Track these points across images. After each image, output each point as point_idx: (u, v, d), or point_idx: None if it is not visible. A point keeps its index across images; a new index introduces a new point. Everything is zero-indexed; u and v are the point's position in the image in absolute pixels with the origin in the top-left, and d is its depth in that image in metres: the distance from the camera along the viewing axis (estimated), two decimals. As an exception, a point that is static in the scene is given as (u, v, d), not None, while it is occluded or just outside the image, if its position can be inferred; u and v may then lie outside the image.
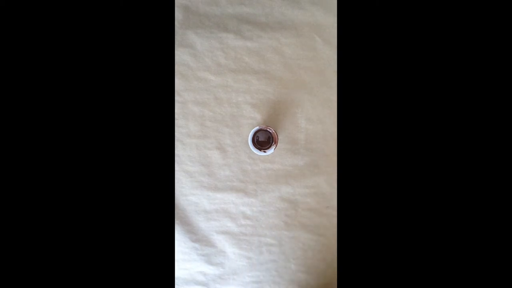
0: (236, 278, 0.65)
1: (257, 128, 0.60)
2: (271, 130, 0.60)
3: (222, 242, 0.65)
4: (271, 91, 0.65)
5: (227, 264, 0.65)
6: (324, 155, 0.65)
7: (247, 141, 0.65)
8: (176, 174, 0.65)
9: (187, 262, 0.65)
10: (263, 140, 0.61)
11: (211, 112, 0.65)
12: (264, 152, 0.60)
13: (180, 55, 0.64)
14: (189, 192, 0.65)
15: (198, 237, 0.65)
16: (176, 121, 0.65)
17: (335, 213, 0.65)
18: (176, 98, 0.64)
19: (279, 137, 0.65)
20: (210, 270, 0.65)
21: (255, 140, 0.60)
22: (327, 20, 0.64)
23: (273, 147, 0.60)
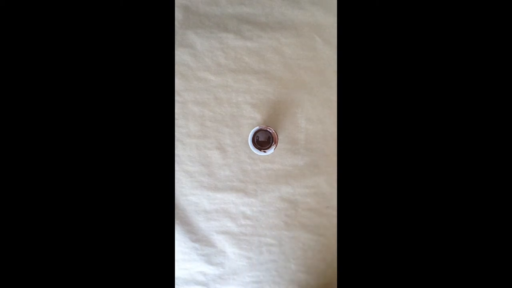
0: (236, 278, 0.65)
1: (257, 128, 0.60)
2: (271, 130, 0.60)
3: (222, 242, 0.65)
4: (271, 91, 0.65)
5: (227, 264, 0.65)
6: (324, 155, 0.65)
7: (247, 141, 0.65)
8: (176, 174, 0.65)
9: (187, 262, 0.65)
10: (263, 140, 0.61)
11: (211, 112, 0.65)
12: (264, 152, 0.60)
13: (180, 55, 0.64)
14: (189, 192, 0.65)
15: (198, 237, 0.65)
16: (176, 121, 0.65)
17: (335, 213, 0.65)
18: (176, 98, 0.64)
19: (279, 137, 0.65)
20: (210, 270, 0.65)
21: (255, 140, 0.60)
22: (327, 20, 0.64)
23: (273, 147, 0.60)
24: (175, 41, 0.64)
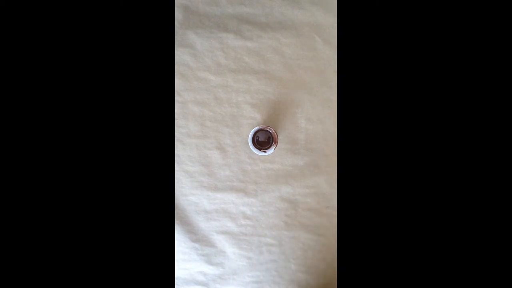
0: (236, 278, 0.65)
1: (257, 128, 0.60)
2: (271, 130, 0.60)
3: (222, 242, 0.65)
4: (271, 91, 0.65)
5: (227, 264, 0.65)
6: (324, 155, 0.65)
7: (247, 141, 0.65)
8: (176, 174, 0.65)
9: (187, 262, 0.65)
10: (263, 140, 0.61)
11: (211, 112, 0.65)
12: (264, 152, 0.60)
13: (180, 55, 0.64)
14: (189, 192, 0.65)
15: (198, 237, 0.65)
16: (176, 121, 0.65)
17: (335, 213, 0.65)
18: (176, 98, 0.64)
19: (279, 137, 0.65)
20: (210, 270, 0.65)
21: (255, 140, 0.60)
22: (327, 20, 0.64)
23: (273, 147, 0.60)
24: (175, 41, 0.64)
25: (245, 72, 0.65)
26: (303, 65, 0.65)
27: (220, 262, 0.65)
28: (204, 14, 0.64)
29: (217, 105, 0.65)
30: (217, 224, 0.65)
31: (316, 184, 0.65)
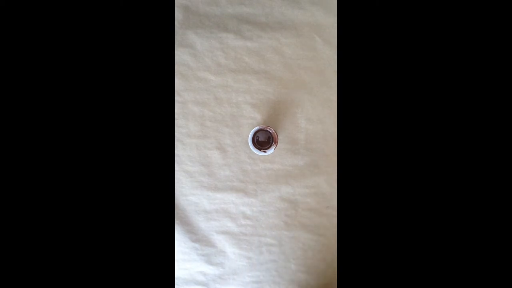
0: (236, 278, 0.65)
1: (257, 128, 0.60)
2: (271, 130, 0.60)
3: (222, 242, 0.65)
4: (271, 91, 0.65)
5: (227, 264, 0.65)
6: (324, 155, 0.65)
7: (247, 141, 0.65)
8: (176, 174, 0.65)
9: (187, 262, 0.65)
10: (263, 140, 0.61)
11: (211, 112, 0.65)
12: (264, 152, 0.60)
13: (180, 55, 0.64)
14: (189, 192, 0.65)
15: (198, 237, 0.65)
16: (176, 121, 0.65)
17: (335, 213, 0.65)
18: (176, 98, 0.64)
19: (279, 137, 0.65)
20: (210, 270, 0.65)
21: (255, 140, 0.60)
22: (327, 20, 0.64)
23: (273, 147, 0.60)
24: (175, 41, 0.64)
25: (245, 72, 0.65)
26: (303, 65, 0.65)
27: (220, 262, 0.65)
28: (204, 14, 0.64)
29: (217, 105, 0.65)
30: (217, 224, 0.65)
31: (316, 184, 0.65)
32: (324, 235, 0.65)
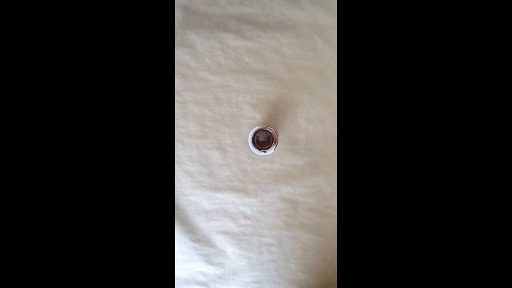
0: (236, 278, 0.65)
1: (257, 128, 0.60)
2: (271, 130, 0.60)
3: (222, 242, 0.65)
4: (271, 91, 0.65)
5: (227, 264, 0.65)
6: (324, 155, 0.65)
7: (247, 141, 0.65)
8: (176, 174, 0.65)
9: (187, 262, 0.65)
10: (263, 140, 0.61)
11: (211, 112, 0.65)
12: (264, 152, 0.60)
13: (180, 55, 0.64)
14: (189, 192, 0.65)
15: (198, 237, 0.65)
16: (176, 121, 0.65)
17: (335, 213, 0.65)
18: (176, 98, 0.64)
19: (279, 137, 0.65)
20: (210, 270, 0.65)
21: (255, 140, 0.60)
22: (327, 20, 0.64)
23: (273, 147, 0.60)
24: (175, 41, 0.64)
25: (245, 72, 0.65)
26: (303, 65, 0.65)
27: (220, 262, 0.65)
28: (204, 14, 0.64)
29: (217, 105, 0.65)
30: (217, 224, 0.65)
31: (316, 184, 0.65)
32: (324, 235, 0.65)
